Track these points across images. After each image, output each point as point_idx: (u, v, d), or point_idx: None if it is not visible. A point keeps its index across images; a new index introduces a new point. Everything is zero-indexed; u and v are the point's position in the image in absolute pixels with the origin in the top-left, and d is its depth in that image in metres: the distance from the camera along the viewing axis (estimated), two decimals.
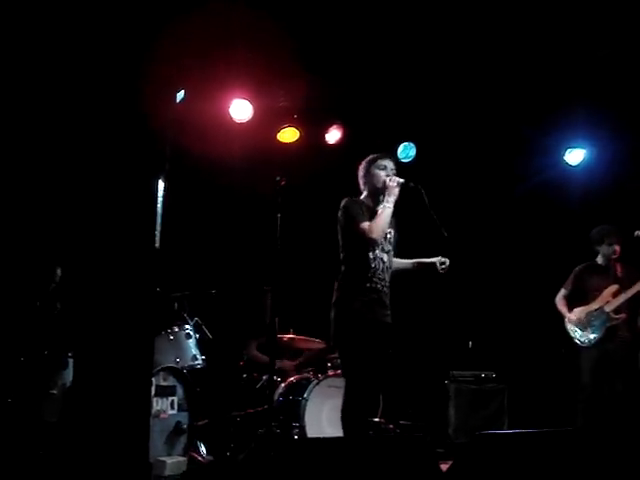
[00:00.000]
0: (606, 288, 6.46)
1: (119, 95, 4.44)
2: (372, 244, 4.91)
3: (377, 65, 6.88)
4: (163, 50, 4.45)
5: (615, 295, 6.40)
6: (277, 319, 5.76)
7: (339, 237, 5.09)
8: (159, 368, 5.82)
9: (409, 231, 5.29)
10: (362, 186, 5.16)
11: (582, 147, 7.96)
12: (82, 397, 4.24)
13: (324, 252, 7.77)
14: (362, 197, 5.14)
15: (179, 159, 5.34)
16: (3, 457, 5.05)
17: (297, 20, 6.10)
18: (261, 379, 6.57)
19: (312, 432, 6.02)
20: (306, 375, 6.48)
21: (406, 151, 7.80)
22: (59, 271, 6.25)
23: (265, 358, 6.55)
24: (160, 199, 4.44)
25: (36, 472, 4.94)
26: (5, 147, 5.61)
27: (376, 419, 6.08)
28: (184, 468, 5.60)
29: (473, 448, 3.67)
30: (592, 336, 6.41)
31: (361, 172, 5.16)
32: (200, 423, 6.12)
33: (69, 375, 5.71)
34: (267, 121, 7.51)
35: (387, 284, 5.02)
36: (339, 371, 6.46)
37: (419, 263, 5.28)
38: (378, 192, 5.04)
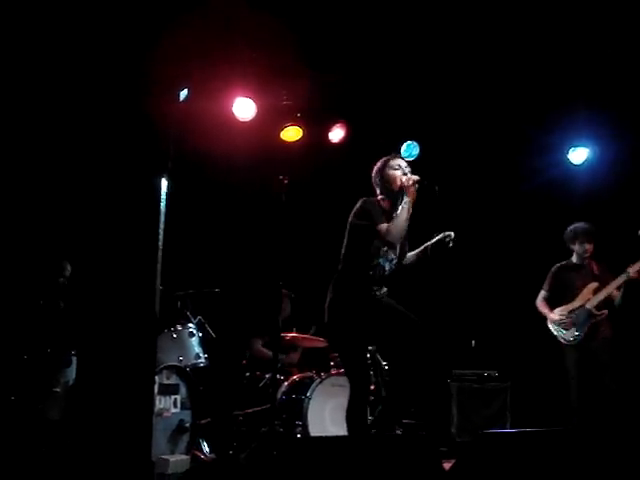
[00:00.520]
0: (585, 286, 6.51)
1: (123, 94, 4.45)
2: (388, 247, 4.83)
3: (380, 64, 6.88)
4: (166, 49, 4.45)
5: (595, 292, 6.45)
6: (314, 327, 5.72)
7: (346, 236, 4.97)
8: (162, 366, 5.82)
9: (419, 229, 5.22)
10: (377, 189, 5.04)
11: (585, 146, 7.95)
12: (85, 395, 4.25)
13: (327, 250, 7.80)
14: (378, 198, 5.01)
15: (182, 158, 5.34)
16: (6, 455, 5.05)
17: (300, 19, 6.10)
18: (264, 378, 6.57)
19: (315, 431, 6.02)
20: (309, 374, 6.48)
21: (409, 150, 7.78)
22: (69, 266, 6.25)
23: (269, 353, 6.55)
24: (163, 198, 4.44)
25: (39, 470, 4.94)
26: (14, 146, 5.63)
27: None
28: (187, 466, 5.59)
29: (476, 447, 3.67)
30: (576, 333, 6.44)
31: (375, 175, 5.04)
32: (203, 421, 6.12)
33: (72, 373, 5.72)
34: (270, 120, 7.51)
35: (384, 293, 4.95)
36: (342, 370, 6.46)
37: (426, 247, 5.13)
38: (395, 193, 4.91)
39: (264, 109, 7.38)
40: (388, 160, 5.01)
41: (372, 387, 6.31)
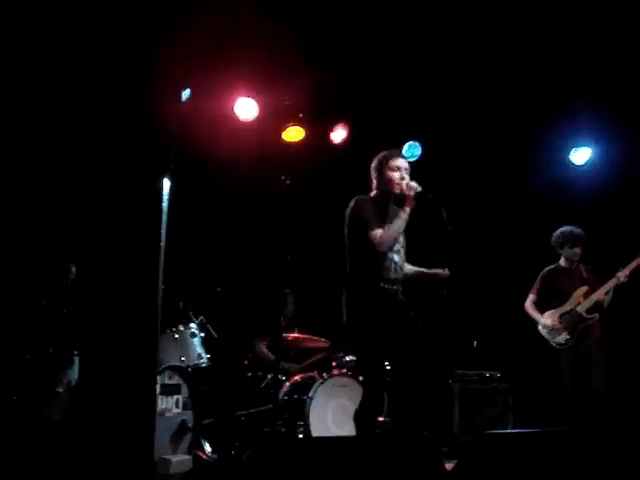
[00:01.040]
0: (576, 289, 6.52)
1: (125, 94, 4.45)
2: (378, 253, 4.72)
3: (383, 64, 6.88)
4: (168, 49, 4.45)
5: (586, 296, 6.47)
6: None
7: (345, 236, 4.91)
8: (164, 367, 5.83)
9: (419, 239, 5.20)
10: (373, 182, 4.96)
11: (588, 146, 7.95)
12: (87, 396, 4.25)
13: (329, 251, 7.80)
14: (373, 194, 4.92)
15: (185, 158, 5.34)
16: (8, 455, 5.06)
17: (302, 19, 6.10)
18: (266, 378, 6.57)
19: (317, 431, 6.02)
20: (311, 374, 6.49)
21: (411, 150, 7.79)
22: (74, 269, 6.26)
23: (272, 356, 6.56)
24: (166, 197, 4.44)
25: (41, 471, 4.94)
26: (18, 147, 5.63)
27: (381, 418, 6.07)
28: (189, 466, 5.61)
29: (478, 447, 3.67)
30: (568, 337, 6.44)
31: (373, 170, 4.95)
32: (205, 422, 6.12)
33: (74, 373, 5.73)
34: (272, 120, 7.51)
35: (400, 283, 4.87)
36: (344, 370, 6.47)
37: (422, 273, 5.12)
38: (389, 194, 4.84)
39: (266, 109, 7.38)
40: (388, 158, 4.90)
41: None
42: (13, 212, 5.82)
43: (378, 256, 4.74)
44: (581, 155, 7.99)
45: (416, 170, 5.19)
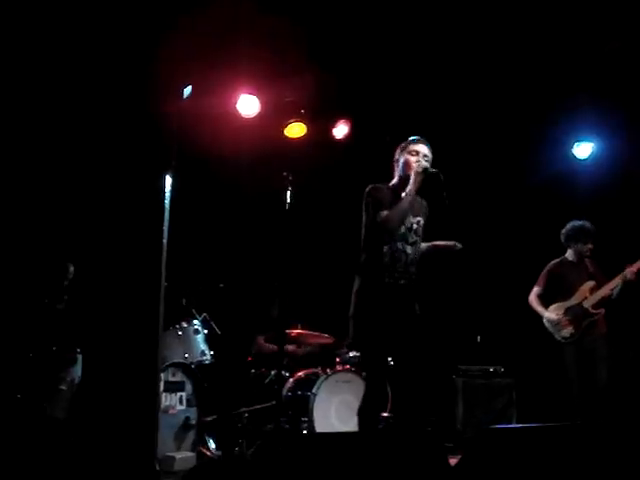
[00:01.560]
0: (582, 284, 6.50)
1: (126, 92, 4.45)
2: (390, 235, 4.76)
3: (384, 60, 6.87)
4: (170, 47, 4.45)
5: (592, 291, 6.45)
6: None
7: (362, 226, 4.91)
8: (168, 364, 5.83)
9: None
10: (394, 171, 5.00)
11: (590, 140, 7.94)
12: (90, 393, 4.25)
13: (332, 247, 7.80)
14: (392, 183, 4.96)
15: (186, 155, 5.34)
16: (11, 453, 5.06)
17: (304, 15, 6.09)
18: (269, 374, 6.57)
19: (321, 427, 6.02)
20: (314, 370, 6.48)
21: None
22: (72, 268, 6.26)
23: (274, 347, 6.54)
24: (168, 194, 4.44)
25: (44, 468, 4.95)
26: (19, 145, 5.63)
27: (385, 414, 6.07)
28: (193, 463, 5.61)
29: (481, 442, 3.66)
30: (573, 332, 6.43)
31: (395, 155, 5.01)
32: (209, 418, 6.13)
33: (78, 371, 5.73)
34: (274, 116, 7.51)
35: (411, 276, 4.85)
36: (347, 366, 6.47)
37: (434, 246, 5.13)
38: (406, 178, 4.86)
39: (268, 106, 7.38)
40: (409, 143, 4.96)
41: None
42: (14, 210, 5.82)
43: (388, 245, 4.77)
44: (584, 149, 7.98)
45: None
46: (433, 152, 5.06)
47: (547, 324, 6.60)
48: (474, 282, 8.30)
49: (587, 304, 6.43)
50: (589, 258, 6.62)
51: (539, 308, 6.67)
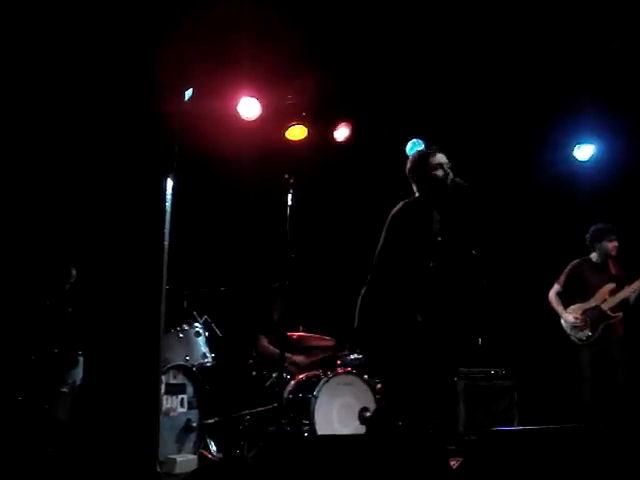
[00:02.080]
0: (602, 286, 6.48)
1: (128, 94, 4.45)
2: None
3: (385, 62, 6.87)
4: (171, 49, 4.45)
5: (612, 293, 6.42)
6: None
7: (382, 239, 4.68)
8: (169, 366, 5.83)
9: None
10: (414, 187, 4.78)
11: (591, 142, 7.94)
12: (92, 395, 4.25)
13: (333, 249, 7.80)
14: (417, 198, 4.74)
15: (188, 157, 5.34)
16: (14, 455, 5.06)
17: (305, 18, 6.09)
18: (271, 377, 6.57)
19: (322, 429, 6.01)
20: (316, 373, 6.48)
21: (414, 148, 7.78)
22: (74, 272, 6.26)
23: (277, 351, 6.55)
24: (169, 197, 4.44)
25: (46, 470, 4.95)
26: (20, 148, 5.63)
27: None
28: (194, 466, 5.61)
29: (483, 445, 3.66)
30: (589, 334, 6.42)
31: (412, 174, 4.76)
32: (210, 421, 6.13)
33: (79, 373, 5.73)
34: (275, 119, 7.51)
35: (431, 300, 4.76)
36: (349, 368, 6.46)
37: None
38: (437, 194, 4.68)
39: (269, 108, 7.38)
40: (427, 157, 4.76)
41: (379, 386, 6.33)
42: (16, 211, 5.82)
43: (410, 270, 4.59)
44: (585, 151, 7.98)
45: None
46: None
47: (564, 324, 6.58)
48: (475, 284, 8.29)
49: (606, 306, 6.40)
50: (614, 260, 6.58)
51: (558, 308, 6.63)
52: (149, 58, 4.44)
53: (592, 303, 6.46)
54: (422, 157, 4.77)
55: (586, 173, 7.93)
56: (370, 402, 6.21)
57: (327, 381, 6.22)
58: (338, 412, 6.16)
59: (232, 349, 7.03)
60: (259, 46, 6.31)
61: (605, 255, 6.56)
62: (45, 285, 6.18)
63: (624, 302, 6.40)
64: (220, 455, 6.20)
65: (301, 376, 6.49)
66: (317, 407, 6.09)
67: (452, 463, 3.74)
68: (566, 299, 6.64)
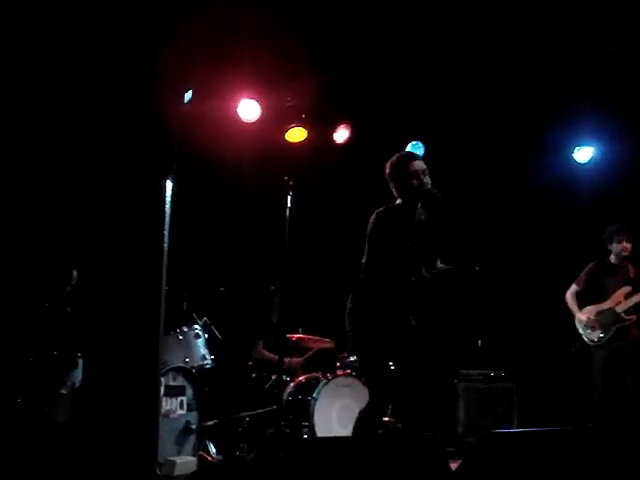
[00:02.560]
0: (618, 288, 6.48)
1: (128, 96, 4.45)
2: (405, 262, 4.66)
3: (385, 64, 6.87)
4: (171, 51, 4.45)
5: (627, 296, 6.42)
6: None
7: (367, 245, 4.77)
8: (168, 368, 5.83)
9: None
10: (394, 192, 4.82)
11: (591, 145, 7.94)
12: (91, 397, 4.25)
13: (332, 251, 7.80)
14: (397, 203, 4.81)
15: (187, 159, 5.35)
16: (13, 457, 5.06)
17: (305, 20, 6.10)
18: (270, 379, 6.57)
19: (321, 431, 6.02)
20: (315, 375, 6.48)
21: (414, 150, 7.78)
22: (75, 273, 6.26)
23: (273, 356, 6.55)
24: (168, 199, 4.44)
25: (45, 472, 4.95)
26: (21, 150, 5.64)
27: (385, 418, 6.07)
28: (193, 468, 5.60)
29: (482, 447, 3.66)
30: (601, 335, 6.42)
31: (391, 179, 4.81)
32: (209, 423, 6.13)
33: (78, 375, 5.72)
34: (275, 121, 7.51)
35: (416, 299, 4.76)
36: (348, 370, 6.46)
37: (454, 270, 5.04)
38: (416, 200, 4.73)
39: (269, 110, 7.38)
40: (406, 162, 4.78)
41: None
42: (16, 213, 5.82)
43: (397, 273, 4.67)
44: (584, 154, 7.98)
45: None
46: (434, 157, 5.04)
47: (577, 325, 6.60)
48: (474, 286, 8.29)
49: (620, 309, 6.41)
50: (631, 262, 6.57)
51: (573, 307, 6.66)
52: (149, 59, 4.44)
53: (606, 305, 6.48)
54: (402, 163, 4.79)
55: (585, 175, 7.94)
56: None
57: (326, 383, 6.22)
58: (337, 414, 6.16)
59: (232, 351, 7.03)
60: (259, 48, 6.31)
61: (618, 256, 6.57)
62: (46, 287, 6.18)
63: (639, 305, 6.39)
64: (219, 457, 6.21)
65: (300, 378, 6.49)
66: (316, 409, 6.09)
67: (451, 465, 3.74)
68: (584, 300, 6.64)
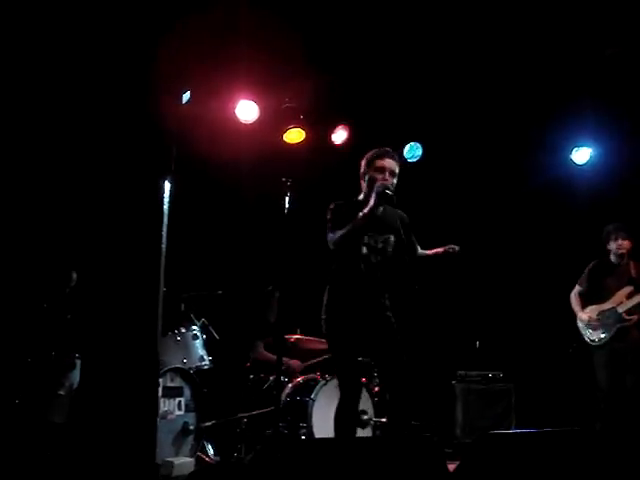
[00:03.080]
0: (620, 288, 6.47)
1: (125, 97, 4.45)
2: (351, 254, 4.76)
3: (383, 65, 6.88)
4: (169, 51, 4.45)
5: (629, 296, 6.41)
6: None
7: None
8: (166, 369, 5.82)
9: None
10: (361, 185, 4.97)
11: (588, 146, 7.95)
12: (89, 398, 4.24)
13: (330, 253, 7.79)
14: (358, 198, 4.95)
15: (185, 160, 5.34)
16: (11, 458, 5.06)
17: (303, 20, 6.10)
18: (268, 380, 6.57)
19: (319, 432, 6.01)
20: (313, 376, 6.48)
21: (412, 151, 7.79)
22: (75, 275, 6.26)
23: (272, 356, 6.55)
24: (167, 200, 4.44)
25: (43, 473, 4.94)
26: (18, 151, 5.63)
27: (383, 419, 6.07)
28: (191, 469, 5.60)
29: (480, 448, 3.66)
30: (602, 335, 6.42)
31: (361, 169, 4.95)
32: (207, 424, 6.12)
33: (76, 376, 5.72)
34: (273, 122, 7.51)
35: (377, 282, 4.82)
36: None
37: (435, 254, 5.02)
38: (368, 195, 4.81)
39: (267, 111, 7.38)
40: (374, 158, 4.85)
41: (376, 389, 6.33)
42: (16, 215, 5.82)
43: (350, 256, 4.76)
44: (582, 155, 7.99)
45: (418, 171, 5.17)
46: (432, 157, 5.05)
47: (579, 324, 6.59)
48: (473, 287, 8.30)
49: (621, 309, 6.40)
50: (633, 261, 6.56)
51: (575, 307, 6.65)
52: (146, 60, 4.44)
53: (608, 305, 6.46)
54: (371, 156, 4.87)
55: (583, 176, 7.94)
56: (367, 405, 6.21)
57: (325, 384, 6.22)
58: None
59: (229, 352, 7.03)
60: (257, 49, 6.31)
61: (617, 255, 6.56)
62: (44, 288, 6.18)
63: None
64: (217, 458, 6.20)
65: (298, 379, 6.49)
66: (314, 410, 6.09)
67: (449, 466, 3.74)
68: (585, 300, 6.64)
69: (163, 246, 4.39)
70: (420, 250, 5.07)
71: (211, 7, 5.05)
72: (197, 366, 6.24)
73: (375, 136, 7.55)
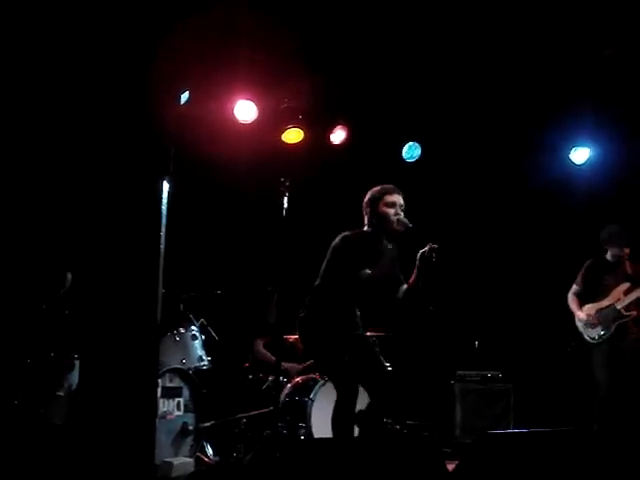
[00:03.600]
0: (617, 285, 6.48)
1: (123, 97, 4.44)
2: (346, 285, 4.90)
3: (382, 65, 6.88)
4: (167, 51, 4.45)
5: (627, 293, 6.43)
6: None
7: (325, 262, 5.04)
8: (165, 369, 5.82)
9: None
10: (366, 218, 5.02)
11: (587, 146, 7.95)
12: (88, 399, 4.24)
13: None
14: (365, 230, 5.01)
15: (184, 160, 5.34)
16: (9, 459, 5.05)
17: (301, 20, 6.10)
18: (267, 380, 6.57)
19: (318, 433, 6.01)
20: (312, 376, 6.48)
21: (411, 151, 7.79)
22: (70, 276, 6.26)
23: (271, 357, 6.55)
24: (165, 200, 4.44)
25: (42, 474, 4.94)
26: (15, 151, 5.63)
27: (385, 419, 6.07)
28: (191, 469, 5.60)
29: (479, 448, 3.66)
30: (602, 333, 6.42)
31: (367, 205, 4.99)
32: (206, 424, 6.12)
33: (75, 377, 5.71)
34: (271, 122, 7.50)
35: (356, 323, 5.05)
36: None
37: (414, 279, 4.95)
38: (384, 231, 4.92)
39: (265, 111, 7.37)
40: (384, 194, 4.94)
41: None
42: (11, 215, 5.82)
43: (350, 296, 4.98)
44: (580, 155, 7.98)
45: (417, 171, 5.17)
46: (431, 157, 5.08)
47: (578, 323, 6.59)
48: (471, 287, 8.31)
49: (620, 305, 6.41)
50: (629, 259, 6.57)
51: (573, 307, 6.66)
52: (145, 60, 4.43)
53: (606, 302, 6.47)
54: (379, 192, 4.96)
55: (582, 177, 7.94)
56: (366, 405, 6.21)
57: (323, 384, 6.22)
58: None
59: (228, 352, 7.03)
60: (255, 49, 6.31)
61: (617, 257, 6.56)
62: (41, 289, 6.17)
63: (639, 301, 6.39)
64: (217, 458, 6.20)
65: (297, 379, 6.49)
66: (313, 410, 6.09)
67: (448, 466, 3.74)
68: (585, 299, 6.64)
69: (162, 246, 4.38)
70: (403, 286, 5.06)
71: (210, 7, 5.05)
72: (196, 366, 6.24)
73: (374, 136, 7.58)
